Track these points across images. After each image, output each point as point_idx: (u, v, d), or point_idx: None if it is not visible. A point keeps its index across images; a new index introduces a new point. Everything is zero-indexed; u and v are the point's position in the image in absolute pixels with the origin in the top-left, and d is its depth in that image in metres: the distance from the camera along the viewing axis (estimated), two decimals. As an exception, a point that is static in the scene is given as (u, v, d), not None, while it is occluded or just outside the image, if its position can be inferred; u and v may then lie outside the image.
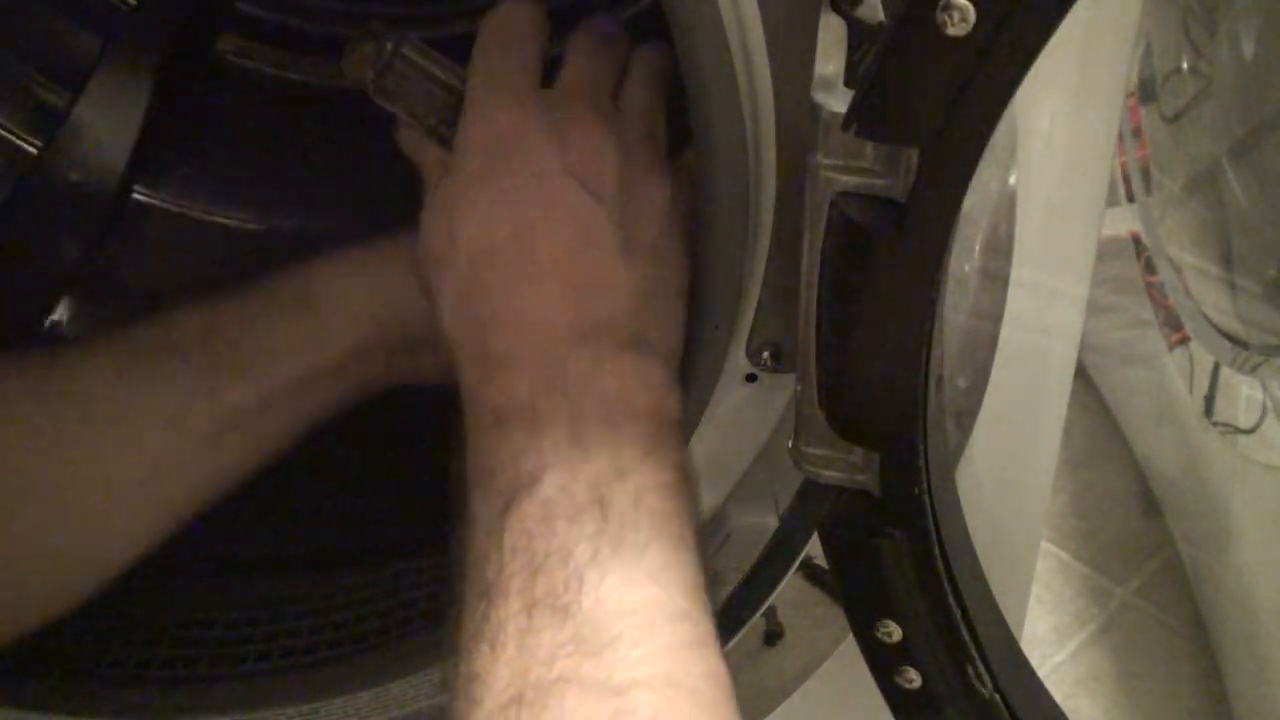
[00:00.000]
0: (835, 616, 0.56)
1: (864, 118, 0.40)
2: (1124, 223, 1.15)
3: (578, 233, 0.50)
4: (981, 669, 0.48)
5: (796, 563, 0.57)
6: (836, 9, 0.43)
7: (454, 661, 0.45)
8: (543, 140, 0.51)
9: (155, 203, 0.82)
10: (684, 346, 0.53)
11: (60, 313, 0.76)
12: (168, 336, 0.59)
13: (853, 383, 0.45)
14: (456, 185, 0.53)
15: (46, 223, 0.77)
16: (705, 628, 0.45)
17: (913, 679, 0.50)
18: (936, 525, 0.46)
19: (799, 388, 0.47)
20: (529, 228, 0.50)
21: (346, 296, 0.62)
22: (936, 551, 0.46)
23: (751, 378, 0.53)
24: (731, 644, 0.60)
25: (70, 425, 0.56)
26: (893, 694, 0.51)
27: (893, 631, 0.49)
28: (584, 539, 0.44)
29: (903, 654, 0.49)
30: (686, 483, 0.48)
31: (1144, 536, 1.22)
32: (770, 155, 0.49)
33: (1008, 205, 0.51)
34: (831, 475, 0.48)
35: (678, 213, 0.54)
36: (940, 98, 0.38)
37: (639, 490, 0.46)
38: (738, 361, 0.53)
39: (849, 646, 0.52)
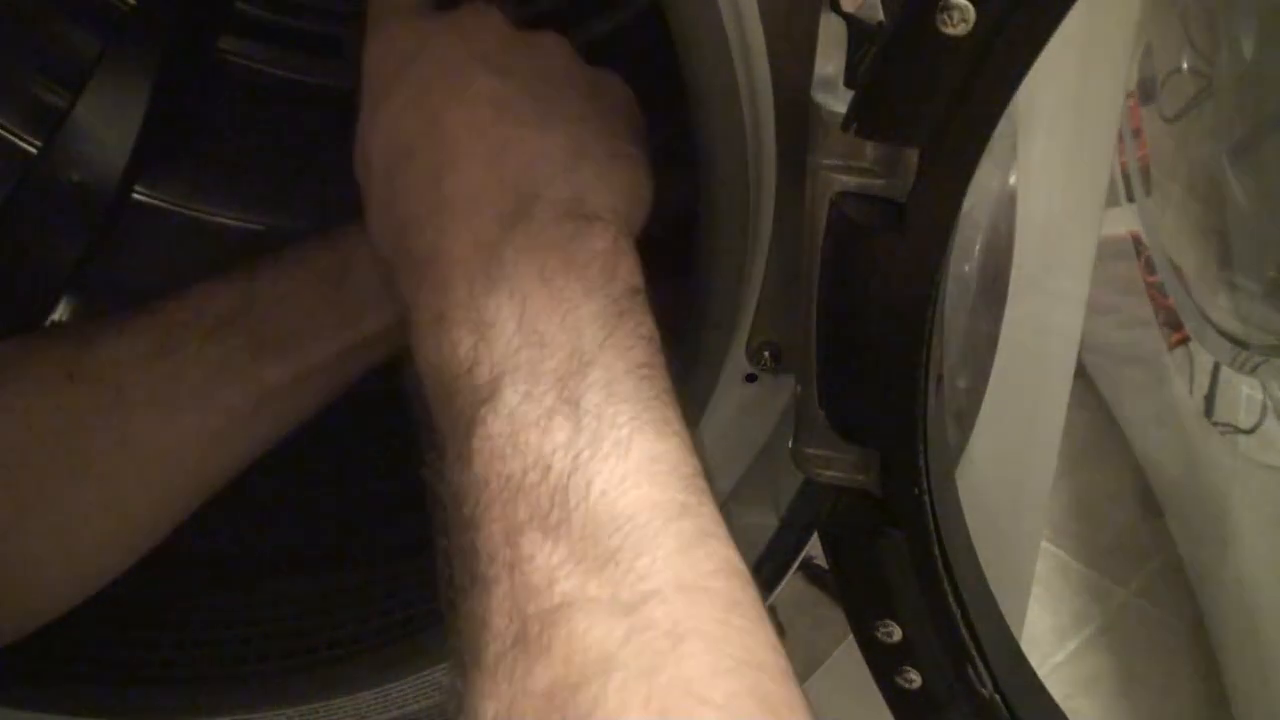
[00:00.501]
0: (835, 616, 0.56)
1: (864, 118, 0.40)
2: (1124, 223, 1.15)
3: (489, 112, 0.47)
4: (981, 669, 0.48)
5: (796, 563, 0.57)
6: (836, 9, 0.43)
7: (451, 616, 0.41)
8: (442, 37, 0.49)
9: (155, 203, 0.82)
10: (643, 209, 0.50)
11: (60, 313, 0.76)
12: (200, 316, 0.58)
13: (853, 382, 0.45)
14: (366, 110, 0.51)
15: (46, 223, 0.77)
16: (707, 518, 0.41)
17: (913, 679, 0.50)
18: (936, 525, 0.46)
19: (799, 388, 0.47)
20: (436, 119, 0.47)
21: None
22: (936, 551, 0.46)
23: (751, 378, 0.53)
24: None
25: (103, 407, 0.55)
26: (893, 694, 0.51)
27: (893, 631, 0.49)
28: (559, 447, 0.40)
29: (903, 654, 0.49)
30: (659, 354, 0.44)
31: (1144, 536, 1.22)
32: (770, 155, 0.49)
33: (1008, 205, 0.51)
34: (831, 475, 0.47)
35: (586, 74, 0.51)
36: (940, 98, 0.38)
37: (609, 378, 0.42)
38: (738, 361, 0.53)
39: (849, 646, 0.52)
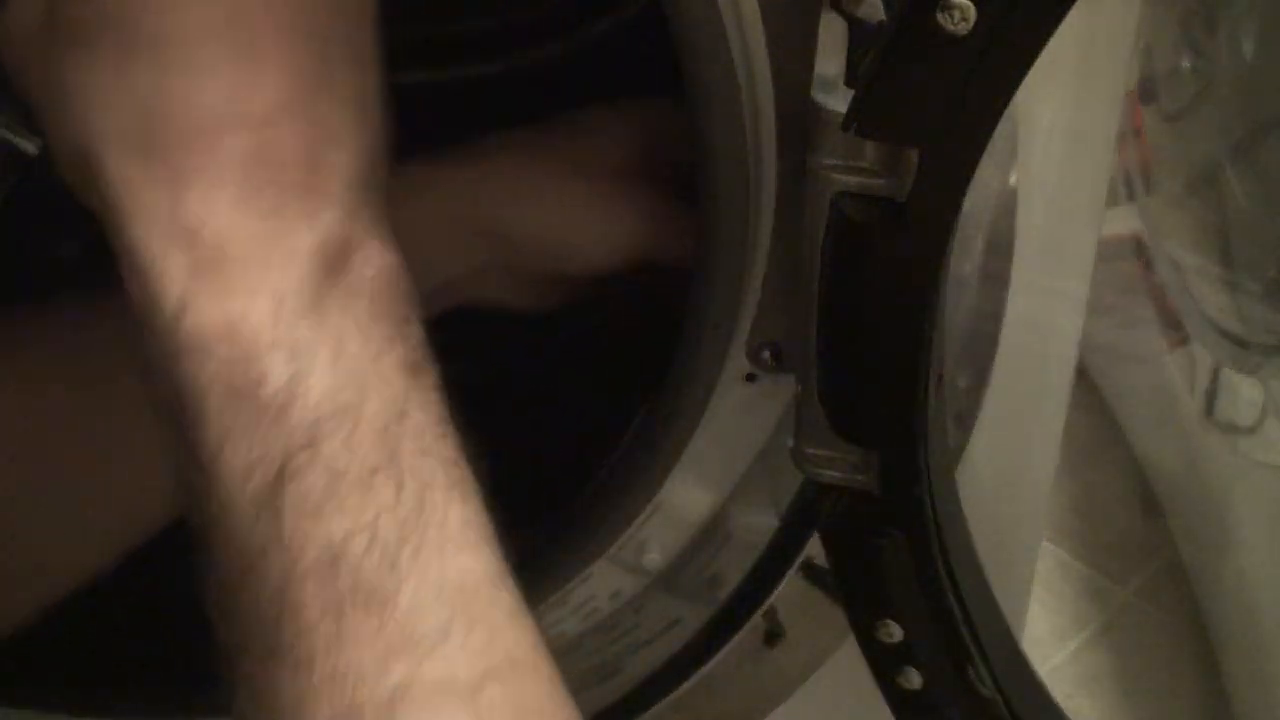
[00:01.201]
0: (835, 616, 0.56)
1: (864, 118, 0.40)
2: (1124, 223, 1.15)
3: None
4: (982, 669, 0.48)
5: (797, 563, 0.57)
6: (837, 8, 0.43)
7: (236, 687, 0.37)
8: None
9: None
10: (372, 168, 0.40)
11: (61, 312, 0.75)
12: None
13: (853, 382, 0.45)
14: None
15: (46, 222, 0.77)
16: (511, 583, 0.39)
17: (913, 679, 0.50)
18: (937, 525, 0.46)
19: (799, 388, 0.47)
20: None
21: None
22: (936, 551, 0.46)
23: (751, 378, 0.53)
24: (731, 644, 0.60)
25: (100, 394, 0.53)
26: (893, 694, 0.51)
27: (893, 632, 0.49)
28: (385, 510, 0.36)
29: (903, 654, 0.49)
30: (439, 389, 0.40)
31: (1144, 536, 1.22)
32: (770, 155, 0.49)
33: (1008, 205, 0.51)
34: (831, 475, 0.47)
35: None
36: (941, 98, 0.38)
37: (420, 429, 0.38)
38: (738, 361, 0.53)
39: (849, 647, 0.52)
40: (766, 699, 0.63)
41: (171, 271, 0.37)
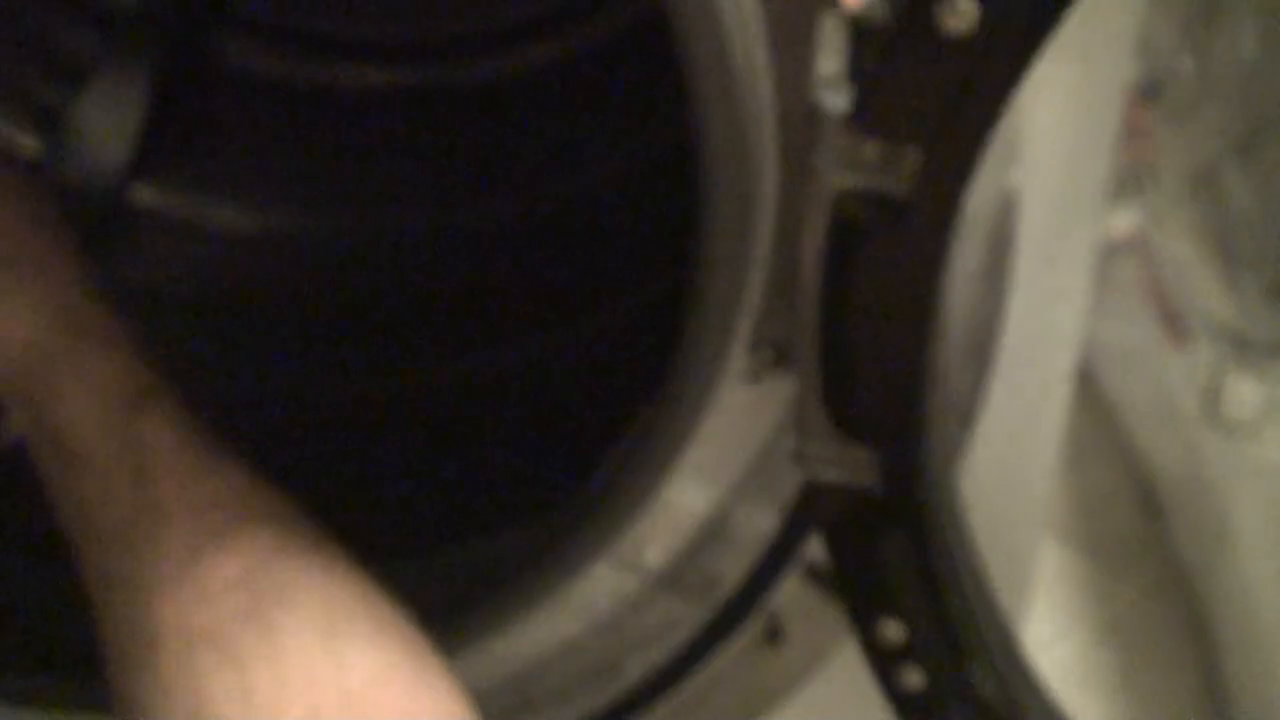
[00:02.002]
0: (835, 616, 0.56)
1: (865, 117, 0.40)
2: (1124, 223, 1.15)
3: None
4: (982, 669, 0.48)
5: (796, 563, 0.57)
6: (836, 8, 0.43)
7: None
8: None
9: (154, 203, 0.82)
10: None
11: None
12: None
13: (853, 382, 0.45)
14: None
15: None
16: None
17: (913, 679, 0.50)
18: (937, 525, 0.46)
19: (800, 387, 0.47)
20: None
21: None
22: (937, 551, 0.46)
23: (752, 377, 0.53)
24: (731, 644, 0.60)
25: None
26: (893, 694, 0.50)
27: (894, 631, 0.49)
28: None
29: (903, 654, 0.49)
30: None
31: (1144, 536, 1.22)
32: (770, 154, 0.49)
33: (1008, 205, 0.51)
34: (832, 475, 0.47)
35: None
36: (941, 97, 0.38)
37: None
38: (738, 361, 0.53)
39: (849, 646, 0.52)
40: (766, 699, 0.63)
41: None
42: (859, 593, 0.49)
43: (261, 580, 0.44)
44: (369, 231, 0.82)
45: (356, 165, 0.84)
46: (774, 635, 0.62)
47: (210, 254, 0.83)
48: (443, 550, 0.66)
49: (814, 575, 0.61)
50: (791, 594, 0.59)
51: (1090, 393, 1.26)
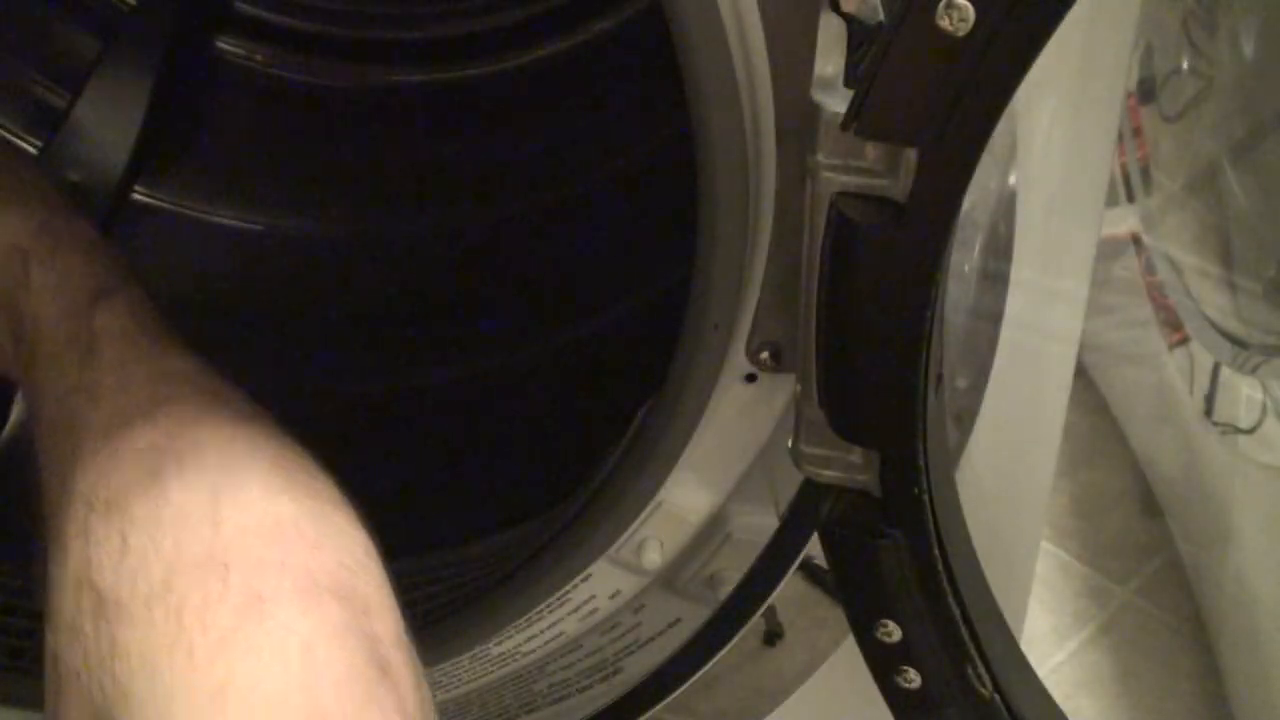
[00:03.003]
0: (835, 617, 0.56)
1: (864, 118, 0.40)
2: (1124, 223, 1.15)
3: None
4: (981, 669, 0.48)
5: (796, 563, 0.57)
6: (836, 9, 0.43)
7: None
8: None
9: (155, 202, 0.82)
10: None
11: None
12: None
13: (853, 382, 0.45)
14: None
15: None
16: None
17: (913, 679, 0.50)
18: (936, 525, 0.46)
19: (799, 387, 0.47)
20: None
21: None
22: (936, 552, 0.46)
23: (751, 378, 0.53)
24: (731, 644, 0.60)
25: None
26: (893, 694, 0.50)
27: (892, 631, 0.49)
28: None
29: (903, 654, 0.49)
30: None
31: (1144, 536, 1.21)
32: (770, 155, 0.49)
33: (1008, 205, 0.51)
34: (831, 475, 0.47)
35: None
36: (940, 98, 0.38)
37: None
38: (738, 361, 0.53)
39: (849, 646, 0.52)
40: (766, 698, 0.63)
41: None
42: (857, 593, 0.49)
43: (168, 449, 0.43)
44: (370, 232, 0.83)
45: (358, 165, 0.84)
46: (774, 635, 0.62)
47: (211, 252, 0.83)
48: (443, 550, 0.66)
49: (814, 575, 0.61)
50: (791, 594, 0.59)
51: (1090, 393, 1.26)
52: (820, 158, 0.43)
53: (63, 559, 0.42)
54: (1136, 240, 1.15)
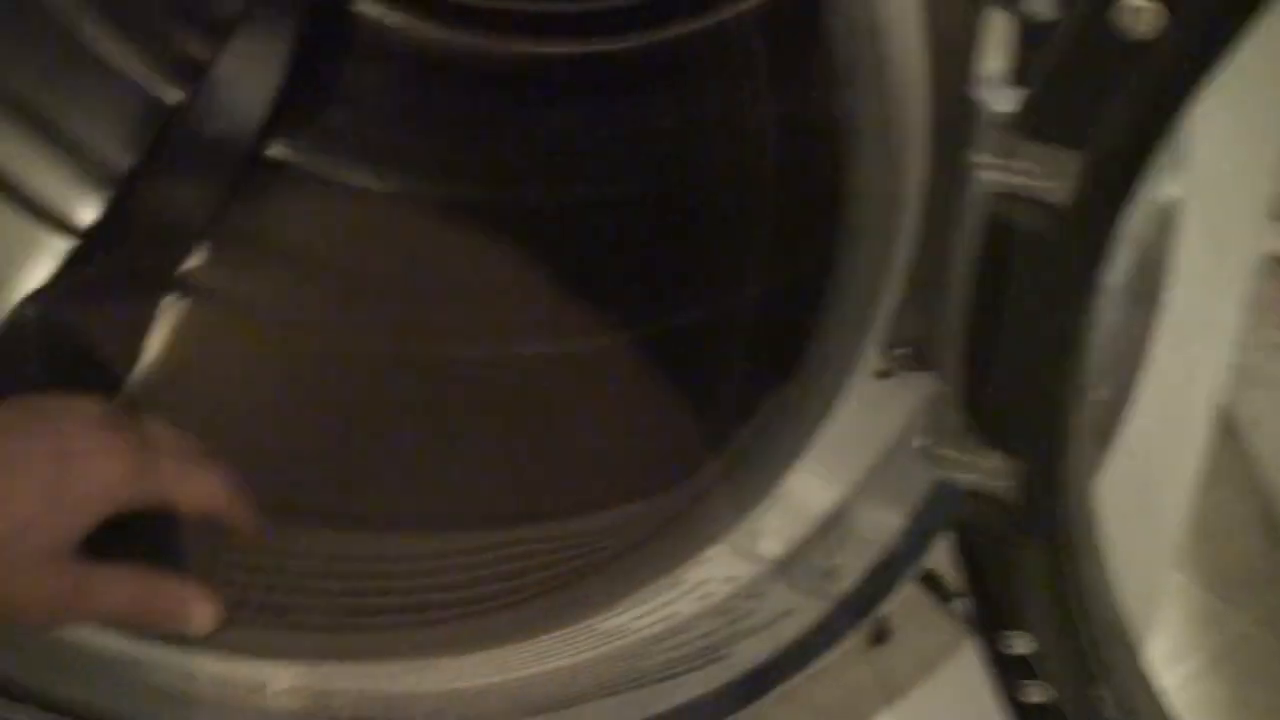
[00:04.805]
0: (944, 625, 0.55)
1: (1034, 119, 0.38)
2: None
3: None
4: (1108, 690, 0.47)
5: (919, 564, 0.56)
6: (1005, 5, 0.42)
7: None
8: None
9: (287, 159, 0.84)
10: None
11: (193, 261, 0.77)
12: None
13: (999, 387, 0.44)
14: None
15: (184, 172, 0.79)
16: None
17: (1035, 694, 0.48)
18: (1072, 540, 0.45)
19: (941, 389, 0.46)
20: None
21: None
22: (1070, 567, 0.45)
23: (883, 374, 0.52)
24: (844, 642, 0.59)
25: None
26: (1014, 707, 0.49)
27: (1021, 643, 0.48)
28: None
29: (1029, 668, 0.48)
30: None
31: (1266, 565, 1.18)
32: (918, 150, 0.47)
33: (1165, 221, 0.50)
34: (966, 479, 0.46)
35: None
36: (1118, 103, 0.36)
37: None
38: (869, 357, 0.52)
39: (959, 653, 0.51)
40: (867, 698, 0.62)
41: None
42: (990, 601, 0.48)
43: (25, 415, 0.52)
44: (499, 200, 0.83)
45: (490, 132, 0.84)
46: (881, 635, 0.61)
47: (338, 211, 0.84)
48: (559, 521, 0.67)
49: (926, 578, 0.60)
50: (903, 597, 0.58)
51: (1221, 416, 1.22)
52: (978, 157, 0.41)
53: None
54: (1276, 260, 1.11)
